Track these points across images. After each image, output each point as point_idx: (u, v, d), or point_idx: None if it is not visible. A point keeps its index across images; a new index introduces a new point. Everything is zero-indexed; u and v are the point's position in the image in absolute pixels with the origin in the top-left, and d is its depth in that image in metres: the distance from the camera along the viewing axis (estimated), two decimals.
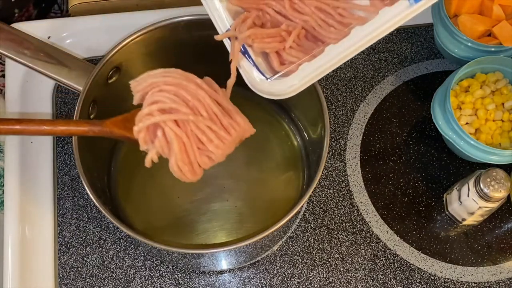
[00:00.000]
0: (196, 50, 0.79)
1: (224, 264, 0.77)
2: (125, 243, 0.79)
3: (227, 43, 0.60)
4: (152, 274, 0.78)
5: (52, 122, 0.62)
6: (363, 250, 0.79)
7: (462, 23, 0.82)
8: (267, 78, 0.58)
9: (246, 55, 0.59)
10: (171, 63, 0.81)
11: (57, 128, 0.60)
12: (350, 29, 0.54)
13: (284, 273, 0.78)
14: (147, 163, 0.58)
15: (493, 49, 0.80)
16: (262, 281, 0.78)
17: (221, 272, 0.78)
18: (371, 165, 0.83)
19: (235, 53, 0.58)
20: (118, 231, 0.80)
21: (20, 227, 0.79)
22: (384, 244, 0.79)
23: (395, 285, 0.77)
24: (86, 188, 0.65)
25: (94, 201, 0.65)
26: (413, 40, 0.91)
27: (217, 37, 0.59)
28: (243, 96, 0.85)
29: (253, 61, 0.59)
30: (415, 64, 0.89)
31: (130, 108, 0.82)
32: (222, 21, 0.59)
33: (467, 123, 0.78)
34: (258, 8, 0.59)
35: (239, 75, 0.59)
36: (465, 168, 0.83)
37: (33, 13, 0.96)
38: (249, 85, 0.60)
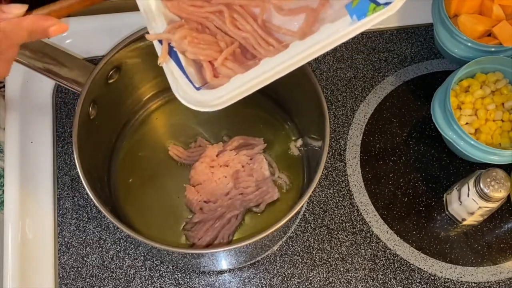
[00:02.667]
0: None
1: (224, 264, 0.77)
2: (125, 243, 0.79)
3: (157, 46, 0.57)
4: (152, 274, 0.78)
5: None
6: (363, 250, 0.79)
7: (462, 23, 0.82)
8: (196, 88, 0.56)
9: (177, 62, 0.56)
10: None
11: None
12: (289, 43, 0.53)
13: (284, 273, 0.78)
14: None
15: (493, 49, 0.80)
16: (262, 281, 0.78)
17: (221, 272, 0.78)
18: (371, 165, 0.83)
19: (164, 55, 0.56)
20: (118, 231, 0.80)
21: (20, 227, 0.79)
22: (384, 244, 0.79)
23: (395, 285, 0.77)
24: (86, 188, 0.65)
25: (94, 201, 0.65)
26: (413, 40, 0.91)
27: (148, 37, 0.57)
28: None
29: (182, 68, 0.56)
30: (415, 64, 0.89)
31: (130, 108, 0.83)
32: (156, 23, 0.57)
33: (467, 123, 0.78)
34: (198, 21, 0.57)
35: None
36: (465, 168, 0.83)
37: None
38: (174, 93, 0.57)
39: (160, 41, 0.57)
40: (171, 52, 0.57)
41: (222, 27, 0.56)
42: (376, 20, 0.50)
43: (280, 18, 0.56)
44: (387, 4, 0.49)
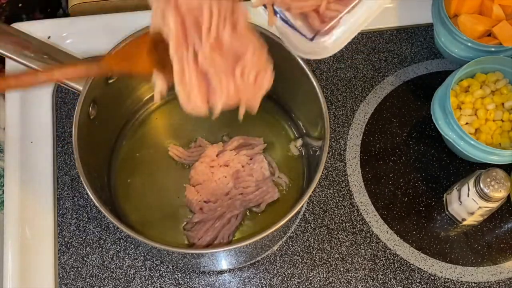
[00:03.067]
0: None
1: (224, 264, 0.77)
2: (125, 243, 0.79)
3: (263, 12, 0.59)
4: (152, 274, 0.78)
5: (47, 71, 0.57)
6: (363, 250, 0.79)
7: (462, 23, 0.82)
8: (310, 39, 0.58)
9: (285, 21, 0.58)
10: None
11: (54, 76, 0.55)
12: None
13: (284, 273, 0.78)
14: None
15: (493, 49, 0.80)
16: (262, 281, 0.78)
17: (221, 272, 0.78)
18: (371, 165, 0.83)
19: (271, 18, 0.57)
20: (118, 231, 0.80)
21: (20, 227, 0.79)
22: (384, 244, 0.79)
23: (395, 285, 0.77)
24: (86, 188, 0.65)
25: (94, 201, 0.65)
26: (413, 40, 0.91)
27: (254, 4, 0.58)
28: None
29: (292, 25, 0.58)
30: (415, 64, 0.89)
31: (130, 108, 0.83)
32: None
33: (467, 123, 0.78)
34: None
35: None
36: (465, 168, 0.83)
37: (40, 18, 0.97)
38: (292, 50, 0.59)
39: (265, 6, 0.58)
40: (277, 13, 0.58)
41: None
42: None
43: None
44: None
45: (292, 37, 0.58)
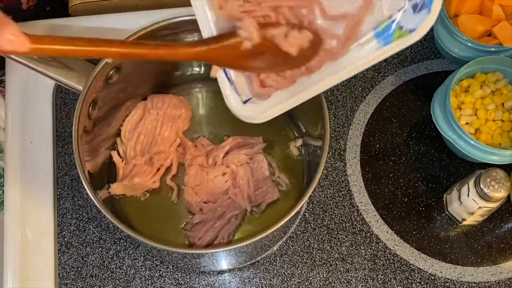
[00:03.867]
0: None
1: (224, 264, 0.77)
2: (125, 243, 0.79)
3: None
4: (152, 274, 0.78)
5: (168, 46, 0.56)
6: (363, 250, 0.79)
7: (462, 23, 0.82)
8: (243, 101, 0.59)
9: (227, 75, 0.59)
10: (171, 63, 0.81)
11: (176, 52, 0.55)
12: (323, 63, 0.55)
13: (284, 273, 0.78)
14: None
15: (493, 49, 0.80)
16: (262, 281, 0.78)
17: (221, 272, 0.78)
18: (371, 165, 0.83)
19: (215, 69, 0.59)
20: (118, 231, 0.80)
21: (20, 227, 0.79)
22: (384, 244, 0.79)
23: (395, 285, 0.77)
24: (86, 188, 0.65)
25: (94, 201, 0.65)
26: None
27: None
28: None
29: (232, 81, 0.59)
30: (415, 64, 0.89)
31: (130, 108, 0.82)
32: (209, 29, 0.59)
33: (467, 123, 0.78)
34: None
35: None
36: (465, 168, 0.83)
37: None
38: (227, 103, 0.61)
39: None
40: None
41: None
42: (400, 47, 0.51)
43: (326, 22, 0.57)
44: (412, 31, 0.49)
45: (229, 92, 0.60)
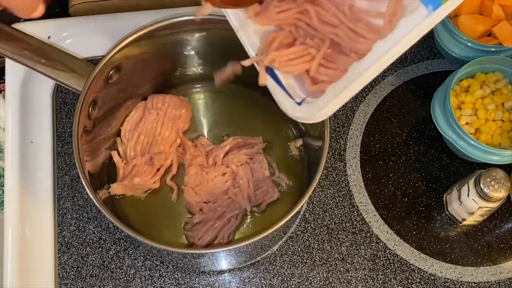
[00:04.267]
0: (196, 50, 0.79)
1: (224, 264, 0.77)
2: (125, 243, 0.79)
3: (257, 66, 0.58)
4: (152, 274, 0.78)
5: None
6: (363, 250, 0.79)
7: (462, 23, 0.82)
8: (297, 103, 0.56)
9: (276, 79, 0.57)
10: (171, 63, 0.81)
11: None
12: (372, 44, 0.51)
13: (284, 273, 0.78)
14: None
15: (493, 49, 0.80)
16: (262, 281, 0.78)
17: (221, 272, 0.78)
18: (371, 165, 0.83)
19: (262, 77, 0.57)
20: (118, 231, 0.80)
21: (20, 227, 0.79)
22: (384, 244, 0.79)
23: (395, 285, 0.77)
24: (86, 188, 0.65)
25: (94, 201, 0.65)
26: None
27: (244, 63, 0.57)
28: (243, 95, 0.85)
29: (282, 85, 0.57)
30: (415, 64, 0.89)
31: (130, 108, 0.83)
32: (253, 43, 0.57)
33: (467, 123, 0.78)
34: (289, 25, 0.56)
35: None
36: (465, 168, 0.83)
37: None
38: (281, 108, 0.58)
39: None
40: (269, 70, 0.57)
41: (311, 24, 0.55)
42: (452, 7, 0.47)
43: (366, 2, 0.53)
44: None
45: (281, 97, 0.57)
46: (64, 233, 0.79)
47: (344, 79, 0.52)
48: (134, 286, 0.77)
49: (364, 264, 0.78)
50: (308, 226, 0.80)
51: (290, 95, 0.56)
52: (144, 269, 0.78)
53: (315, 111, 0.54)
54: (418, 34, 0.49)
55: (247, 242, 0.64)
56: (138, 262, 0.78)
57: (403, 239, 0.80)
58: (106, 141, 0.80)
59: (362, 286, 0.77)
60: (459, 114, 0.78)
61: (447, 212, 0.81)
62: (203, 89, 0.85)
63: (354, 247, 0.79)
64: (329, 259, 0.79)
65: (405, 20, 0.48)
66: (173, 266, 0.78)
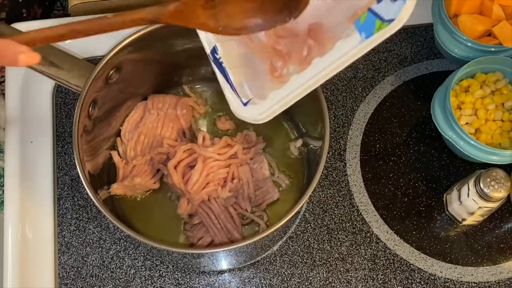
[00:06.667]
0: (196, 50, 0.79)
1: (224, 264, 0.77)
2: (125, 243, 0.79)
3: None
4: (152, 274, 0.78)
5: (117, 15, 0.57)
6: (363, 250, 0.79)
7: (462, 23, 0.82)
8: (244, 103, 0.61)
9: (226, 77, 0.61)
10: (171, 63, 0.81)
11: (124, 20, 0.56)
12: (311, 60, 0.56)
13: (284, 273, 0.78)
14: None
15: (493, 49, 0.80)
16: (262, 281, 0.78)
17: (221, 272, 0.78)
18: (371, 165, 0.83)
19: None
20: (118, 231, 0.80)
21: (20, 227, 0.79)
22: (384, 244, 0.79)
23: (395, 285, 0.77)
24: (86, 188, 0.65)
25: (94, 201, 0.65)
26: (413, 40, 0.91)
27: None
28: None
29: (231, 83, 0.61)
30: (415, 64, 0.89)
31: (130, 108, 0.83)
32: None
33: (467, 123, 0.78)
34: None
35: None
36: (465, 168, 0.83)
37: (38, 12, 0.97)
38: (230, 106, 0.62)
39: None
40: (221, 68, 0.61)
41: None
42: (382, 38, 0.51)
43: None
44: (391, 21, 0.49)
45: (230, 94, 0.61)
46: (64, 233, 0.79)
47: (286, 88, 0.57)
48: (134, 286, 0.77)
49: (364, 264, 0.78)
50: (308, 226, 0.80)
51: (238, 95, 0.61)
52: (144, 269, 0.78)
53: (259, 112, 0.59)
54: (352, 57, 0.53)
55: (247, 242, 0.64)
56: (138, 262, 0.78)
57: (403, 239, 0.80)
58: (106, 141, 0.80)
59: (362, 286, 0.77)
60: (459, 114, 0.78)
61: (447, 212, 0.81)
62: (204, 89, 0.85)
63: (354, 247, 0.79)
64: (329, 259, 0.79)
65: (341, 42, 0.53)
66: (173, 266, 0.78)
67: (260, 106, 0.59)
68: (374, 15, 0.50)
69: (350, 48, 0.52)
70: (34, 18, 0.95)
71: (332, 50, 0.53)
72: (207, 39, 0.61)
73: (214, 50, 0.61)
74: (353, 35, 0.52)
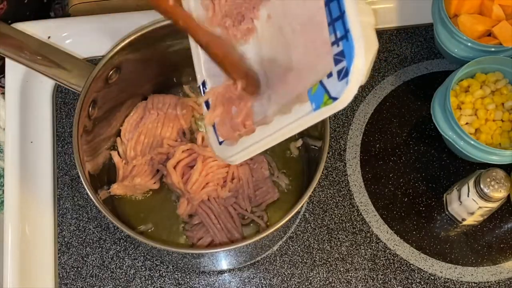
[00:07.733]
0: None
1: (224, 264, 0.77)
2: (125, 243, 0.79)
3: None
4: (152, 274, 0.78)
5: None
6: (363, 250, 0.79)
7: (462, 23, 0.82)
8: (219, 142, 0.63)
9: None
10: (171, 63, 0.81)
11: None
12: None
13: (284, 273, 0.78)
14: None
15: (493, 49, 0.80)
16: (262, 281, 0.78)
17: (221, 272, 0.78)
18: (371, 165, 0.83)
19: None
20: (118, 231, 0.80)
21: (20, 227, 0.79)
22: (384, 244, 0.79)
23: (395, 285, 0.77)
24: (86, 188, 0.65)
25: (94, 201, 0.65)
26: (413, 40, 0.91)
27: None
28: None
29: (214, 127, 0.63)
30: (415, 64, 0.89)
31: (130, 108, 0.83)
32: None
33: (467, 123, 0.78)
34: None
35: None
36: (465, 168, 0.83)
37: (35, 11, 0.97)
38: (208, 141, 0.65)
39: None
40: (206, 102, 0.64)
41: None
42: (325, 114, 0.49)
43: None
44: (335, 99, 0.47)
45: (210, 132, 0.64)
46: (64, 233, 0.79)
47: (251, 138, 0.58)
48: (134, 286, 0.77)
49: (364, 264, 0.78)
50: (308, 226, 0.80)
51: (215, 132, 0.63)
52: (144, 269, 0.78)
53: (228, 155, 0.61)
54: (304, 124, 0.52)
55: (247, 242, 0.64)
56: (138, 262, 0.78)
57: (403, 239, 0.80)
58: (106, 141, 0.80)
59: (362, 286, 0.77)
60: (459, 114, 0.78)
61: (447, 212, 0.81)
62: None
63: (354, 247, 0.79)
64: (329, 259, 0.79)
65: (296, 108, 0.52)
66: (173, 266, 0.78)
67: (231, 149, 0.61)
68: (323, 88, 0.48)
69: (301, 115, 0.52)
70: (31, 12, 0.95)
71: (290, 114, 0.53)
72: (200, 72, 0.65)
73: (203, 84, 0.65)
74: (306, 104, 0.51)
